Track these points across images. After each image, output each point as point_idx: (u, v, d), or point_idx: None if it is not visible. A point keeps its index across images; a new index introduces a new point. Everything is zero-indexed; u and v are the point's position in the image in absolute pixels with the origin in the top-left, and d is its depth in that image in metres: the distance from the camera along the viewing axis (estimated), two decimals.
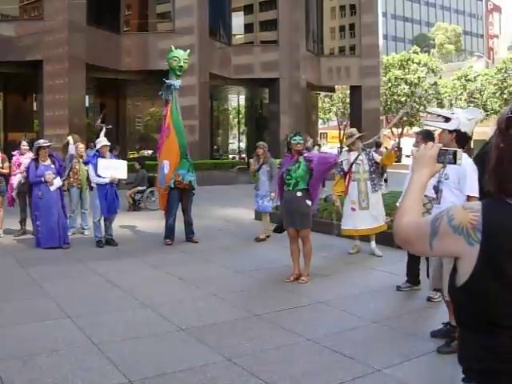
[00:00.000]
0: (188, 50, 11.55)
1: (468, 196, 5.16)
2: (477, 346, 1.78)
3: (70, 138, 12.19)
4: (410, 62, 51.84)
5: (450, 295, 1.90)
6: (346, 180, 9.48)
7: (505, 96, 48.18)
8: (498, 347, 1.72)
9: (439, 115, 5.53)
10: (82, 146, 11.83)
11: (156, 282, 7.89)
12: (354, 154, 9.45)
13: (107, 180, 10.22)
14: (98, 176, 10.25)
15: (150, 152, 32.10)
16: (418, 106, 51.16)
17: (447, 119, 5.28)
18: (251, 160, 11.65)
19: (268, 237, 10.78)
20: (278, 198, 8.41)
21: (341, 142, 52.84)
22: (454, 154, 2.10)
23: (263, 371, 4.66)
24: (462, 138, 5.25)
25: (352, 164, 9.41)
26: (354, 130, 10.07)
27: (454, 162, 2.11)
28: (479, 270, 1.72)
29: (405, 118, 51.41)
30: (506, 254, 1.69)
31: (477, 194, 5.06)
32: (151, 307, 6.55)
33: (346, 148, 9.97)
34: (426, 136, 6.97)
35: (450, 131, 5.25)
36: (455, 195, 5.35)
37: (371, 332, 5.80)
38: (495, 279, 1.69)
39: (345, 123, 51.42)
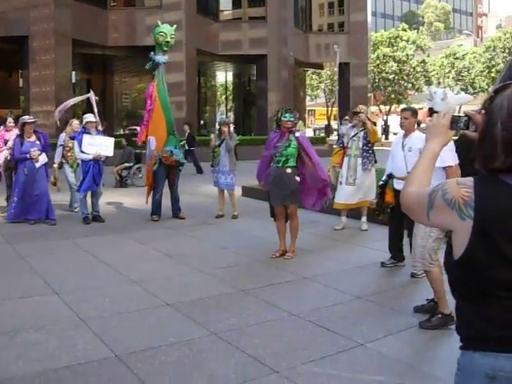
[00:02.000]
0: (175, 26, 11.46)
1: (446, 167, 5.26)
2: (472, 315, 1.85)
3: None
4: (398, 40, 51.66)
5: (445, 268, 1.97)
6: (342, 154, 9.72)
7: (492, 74, 48.25)
8: (493, 316, 1.80)
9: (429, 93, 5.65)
10: (76, 123, 11.70)
11: (143, 257, 7.93)
12: (354, 131, 9.55)
13: (90, 156, 10.18)
14: (83, 152, 10.21)
15: (137, 128, 31.89)
16: (405, 84, 51.15)
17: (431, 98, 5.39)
18: (212, 135, 11.57)
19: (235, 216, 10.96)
20: (260, 177, 8.24)
21: (328, 118, 52.90)
22: (467, 120, 2.12)
23: (248, 346, 4.72)
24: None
25: (350, 139, 9.56)
26: (363, 106, 10.18)
27: (467, 128, 2.13)
28: (473, 244, 1.80)
29: (393, 96, 51.43)
30: (497, 228, 1.76)
31: (453, 163, 5.17)
32: (138, 283, 6.59)
33: (350, 123, 10.18)
34: (414, 112, 7.06)
35: (429, 109, 5.37)
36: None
37: (355, 307, 5.88)
38: (488, 253, 1.77)
39: (333, 100, 51.31)
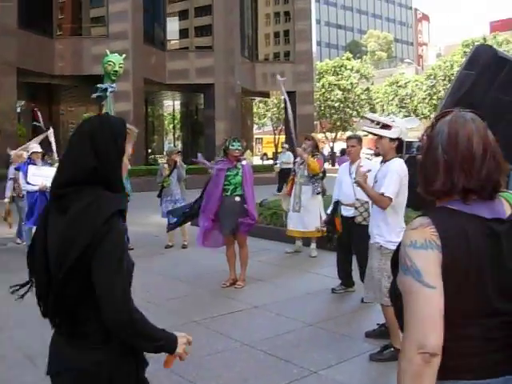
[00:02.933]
0: (124, 55, 11.45)
1: (382, 193, 5.08)
2: None
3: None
4: (343, 69, 52.65)
5: (392, 301, 1.97)
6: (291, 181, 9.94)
7: (434, 102, 49.49)
8: (448, 345, 1.78)
9: (374, 121, 5.55)
10: (25, 155, 11.37)
11: None
12: (301, 159, 9.65)
13: (36, 188, 9.99)
14: (28, 183, 10.01)
15: None
16: (350, 111, 52.07)
17: (387, 126, 5.30)
18: (161, 165, 11.43)
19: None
20: (211, 210, 7.98)
21: (276, 146, 53.33)
22: (420, 145, 2.18)
23: (201, 378, 4.67)
24: (400, 146, 5.35)
25: (297, 167, 9.71)
26: (315, 135, 10.49)
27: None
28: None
29: (338, 123, 52.26)
30: (455, 260, 1.78)
31: (391, 195, 5.04)
32: None
33: (288, 151, 10.34)
34: (360, 139, 7.19)
35: (392, 139, 5.27)
36: None
37: (307, 335, 5.88)
38: (448, 281, 1.78)
39: (279, 128, 51.84)
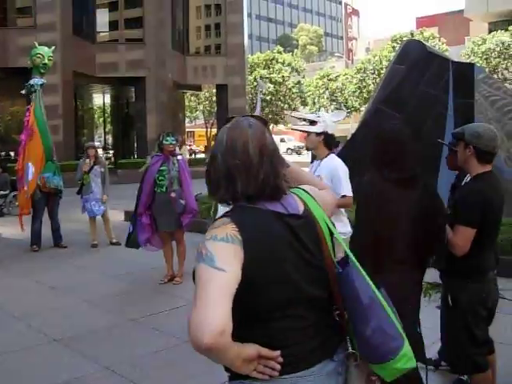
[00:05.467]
0: (53, 47, 11.12)
1: (344, 196, 5.11)
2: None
3: None
4: (274, 62, 52.97)
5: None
6: None
7: (364, 95, 50.36)
8: (274, 336, 1.85)
9: (304, 119, 5.66)
10: None
11: (25, 291, 7.54)
12: None
13: None
14: None
15: (11, 154, 30.52)
16: (282, 105, 52.41)
17: (313, 122, 5.38)
18: (81, 161, 10.92)
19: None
20: (142, 204, 7.80)
21: (208, 140, 53.22)
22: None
23: (144, 378, 4.60)
24: (329, 140, 5.40)
25: None
26: None
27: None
28: (247, 269, 1.79)
29: (270, 116, 52.52)
30: (259, 254, 1.81)
31: (351, 194, 5.15)
32: (21, 319, 6.26)
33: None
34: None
35: (318, 134, 5.34)
36: None
37: None
38: (259, 275, 1.81)
39: (211, 121, 51.70)
